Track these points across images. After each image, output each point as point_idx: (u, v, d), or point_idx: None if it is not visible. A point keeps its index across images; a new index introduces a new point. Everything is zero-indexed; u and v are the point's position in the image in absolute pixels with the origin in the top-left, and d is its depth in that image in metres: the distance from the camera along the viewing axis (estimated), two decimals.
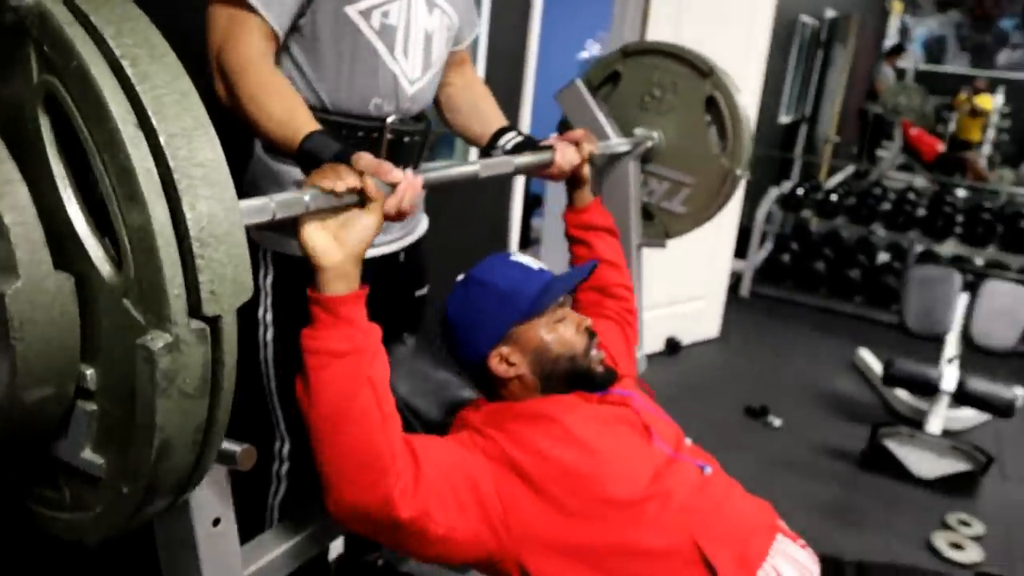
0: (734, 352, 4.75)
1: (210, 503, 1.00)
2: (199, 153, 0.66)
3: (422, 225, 1.79)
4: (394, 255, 1.69)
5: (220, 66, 1.34)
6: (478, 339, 1.41)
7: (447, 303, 1.46)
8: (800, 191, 5.69)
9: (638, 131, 2.13)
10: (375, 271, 1.63)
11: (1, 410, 0.68)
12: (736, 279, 5.57)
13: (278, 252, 1.53)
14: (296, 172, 1.37)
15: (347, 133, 1.48)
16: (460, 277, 1.47)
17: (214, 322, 0.67)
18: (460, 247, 2.36)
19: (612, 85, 2.19)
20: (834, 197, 5.65)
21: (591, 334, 1.44)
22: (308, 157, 1.26)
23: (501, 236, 3.27)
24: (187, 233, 0.65)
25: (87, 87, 0.63)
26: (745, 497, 1.39)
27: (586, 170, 1.78)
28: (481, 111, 1.80)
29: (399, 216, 1.25)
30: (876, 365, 4.29)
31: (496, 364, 1.40)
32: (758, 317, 5.32)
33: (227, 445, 1.00)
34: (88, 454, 0.75)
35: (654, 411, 1.47)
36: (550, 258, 4.46)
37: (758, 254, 5.71)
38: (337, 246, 1.12)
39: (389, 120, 1.52)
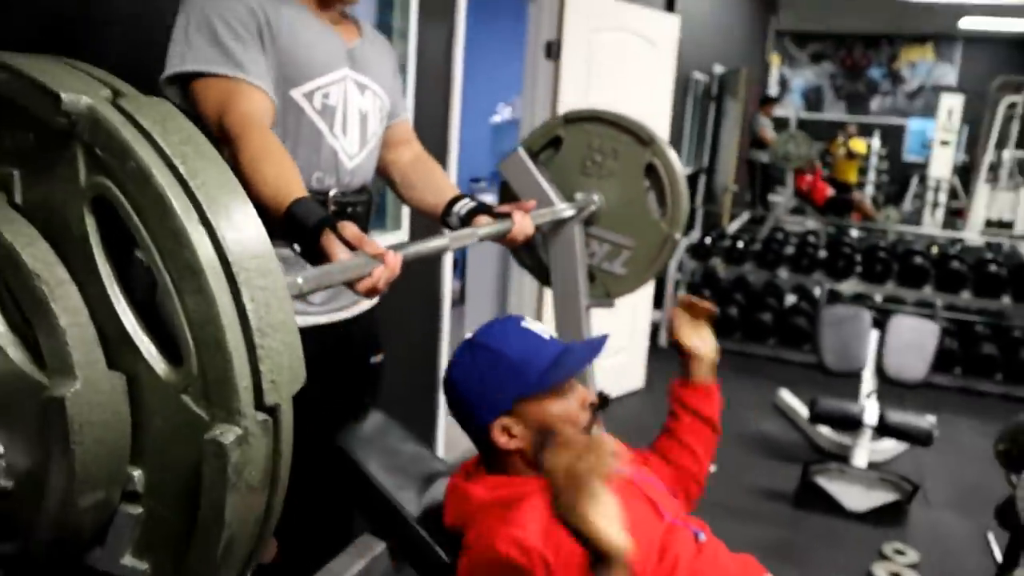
0: (660, 401, 4.82)
1: None
2: (252, 245, 0.67)
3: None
4: (347, 322, 1.73)
5: (223, 132, 1.39)
6: (482, 407, 1.38)
7: (451, 364, 1.43)
8: (708, 240, 5.90)
9: (580, 195, 2.20)
10: (329, 340, 1.66)
11: (54, 519, 0.66)
12: (654, 329, 5.69)
13: None
14: (285, 252, 1.35)
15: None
16: (467, 337, 1.45)
17: (274, 412, 0.67)
18: (395, 311, 2.36)
19: (553, 150, 2.26)
20: (740, 244, 5.88)
21: (594, 407, 1.41)
22: (294, 221, 1.28)
23: (434, 299, 3.28)
24: (248, 324, 0.65)
25: (147, 187, 0.63)
26: (732, 556, 1.42)
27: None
28: (434, 184, 1.87)
29: (374, 292, 1.28)
30: (797, 404, 4.44)
31: (498, 435, 1.36)
32: (676, 366, 5.43)
33: None
34: (129, 560, 0.72)
35: (653, 482, 1.47)
36: (473, 317, 4.50)
37: (673, 303, 5.86)
38: None
39: (331, 192, 1.61)
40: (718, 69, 7.68)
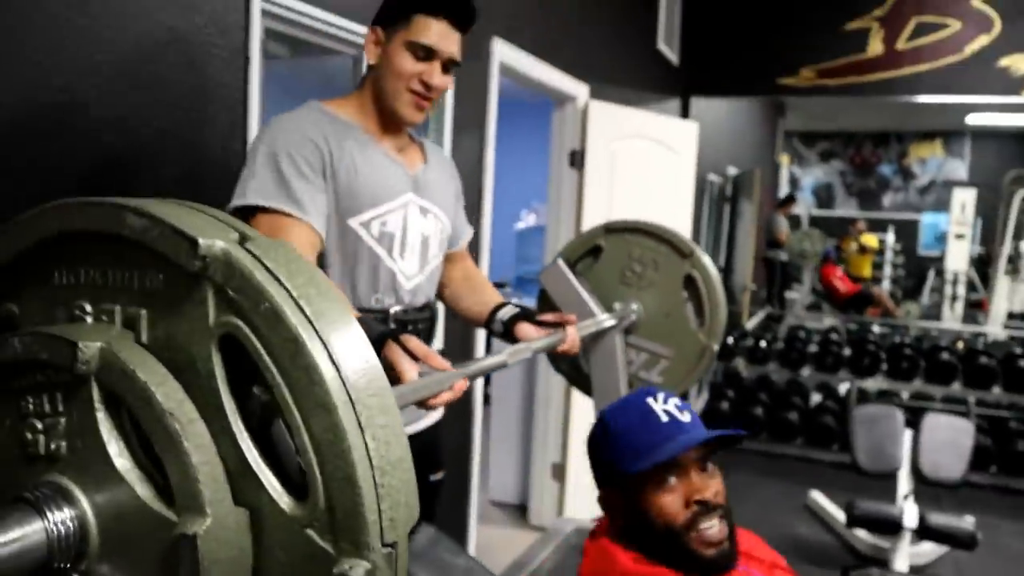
0: None
1: None
2: (373, 384, 0.69)
3: (439, 409, 1.82)
4: (409, 439, 1.70)
5: None
6: (596, 473, 1.42)
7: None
8: (730, 340, 5.91)
9: (619, 305, 2.23)
10: None
11: None
12: None
13: None
14: None
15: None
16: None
17: (393, 548, 0.68)
18: None
19: (592, 258, 2.31)
20: (762, 343, 5.89)
21: (707, 507, 1.30)
22: None
23: (466, 406, 3.29)
24: (371, 462, 0.67)
25: (279, 326, 0.66)
26: None
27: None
28: (480, 295, 1.94)
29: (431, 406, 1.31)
30: (830, 506, 4.37)
31: (602, 502, 1.40)
32: None
33: None
34: None
35: None
36: (500, 419, 4.48)
37: (696, 405, 5.83)
38: None
39: (392, 310, 1.67)
40: (732, 171, 7.83)
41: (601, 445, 1.40)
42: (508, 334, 1.82)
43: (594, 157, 4.02)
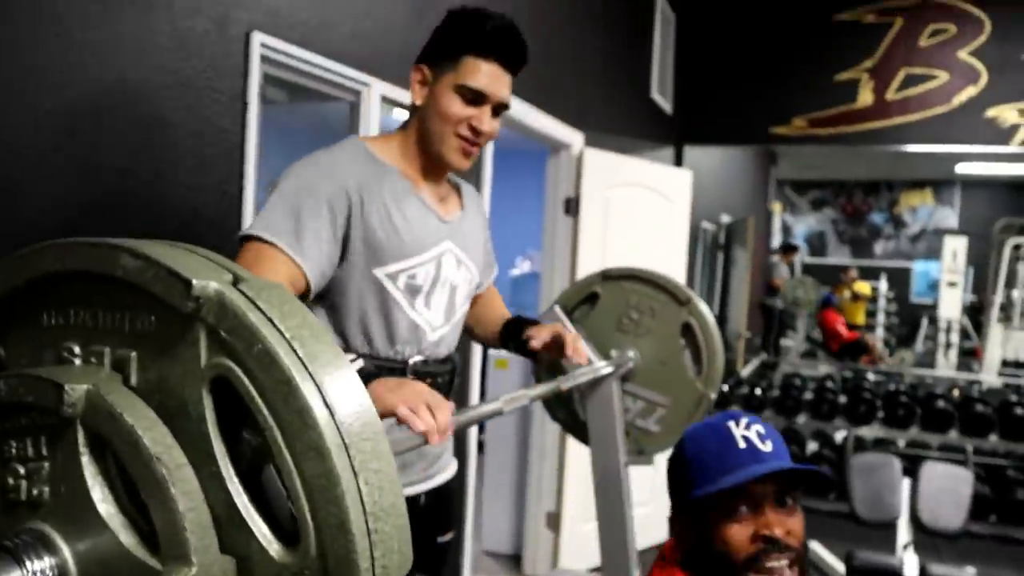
0: None
1: None
2: (366, 428, 0.67)
3: (450, 468, 1.78)
4: (414, 498, 1.64)
5: None
6: (671, 495, 1.37)
7: None
8: (725, 387, 5.88)
9: (615, 352, 2.22)
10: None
11: None
12: None
13: None
14: None
15: (374, 370, 1.51)
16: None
17: None
18: None
19: (589, 306, 2.29)
20: (757, 391, 5.86)
21: (776, 546, 1.21)
22: None
23: (459, 454, 3.25)
24: (364, 507, 0.65)
25: (273, 368, 0.64)
26: None
27: None
28: (496, 321, 1.89)
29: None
30: (829, 557, 4.31)
31: (672, 526, 1.35)
32: None
33: None
34: None
35: None
36: (494, 465, 4.42)
37: None
38: None
39: (412, 360, 1.58)
40: (725, 219, 7.87)
41: (676, 467, 1.35)
42: (518, 343, 1.79)
43: (589, 204, 4.03)
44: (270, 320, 0.67)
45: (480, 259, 1.77)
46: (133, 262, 0.69)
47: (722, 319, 7.94)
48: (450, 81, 1.53)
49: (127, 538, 0.69)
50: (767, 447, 1.26)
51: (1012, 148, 5.61)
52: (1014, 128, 5.58)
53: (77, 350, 0.75)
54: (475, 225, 1.76)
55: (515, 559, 4.23)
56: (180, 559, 0.65)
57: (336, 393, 0.67)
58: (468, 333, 1.94)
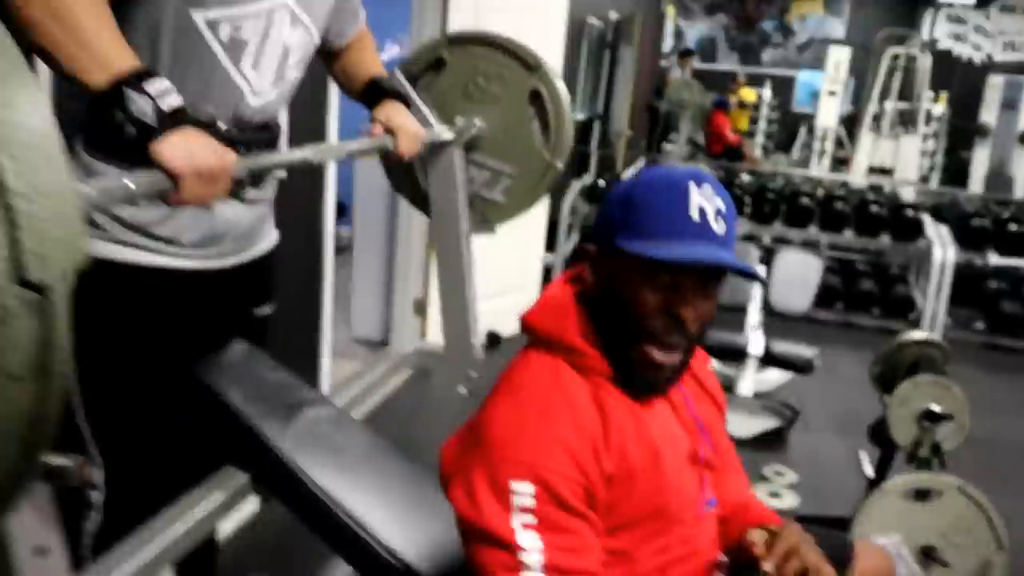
0: None
1: (33, 529, 0.90)
2: (15, 97, 0.59)
3: (268, 239, 1.69)
4: (230, 271, 1.56)
5: None
6: (595, 227, 1.23)
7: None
8: (601, 183, 5.94)
9: (461, 119, 2.15)
10: (206, 287, 1.50)
11: None
12: (548, 272, 5.74)
13: None
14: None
15: None
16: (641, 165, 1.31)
17: (42, 291, 0.58)
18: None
19: (435, 72, 2.20)
20: None
21: (679, 328, 1.13)
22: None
23: (315, 244, 3.19)
24: (4, 185, 0.56)
25: None
26: None
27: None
28: (362, 78, 1.83)
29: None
30: None
31: (582, 256, 1.24)
32: None
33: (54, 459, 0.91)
34: None
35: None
36: (361, 263, 4.42)
37: (566, 245, 5.89)
38: None
39: (223, 128, 1.39)
40: (613, 16, 7.69)
41: (616, 203, 1.18)
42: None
43: None
44: None
45: (324, 20, 1.60)
46: None
47: (605, 118, 7.93)
48: None
49: None
50: (719, 227, 1.12)
51: None
52: None
53: None
54: None
55: (383, 344, 4.31)
56: None
57: None
58: (336, 83, 1.87)
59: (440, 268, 2.21)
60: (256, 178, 1.53)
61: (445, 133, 2.03)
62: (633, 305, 1.14)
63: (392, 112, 1.79)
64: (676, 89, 9.20)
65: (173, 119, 1.11)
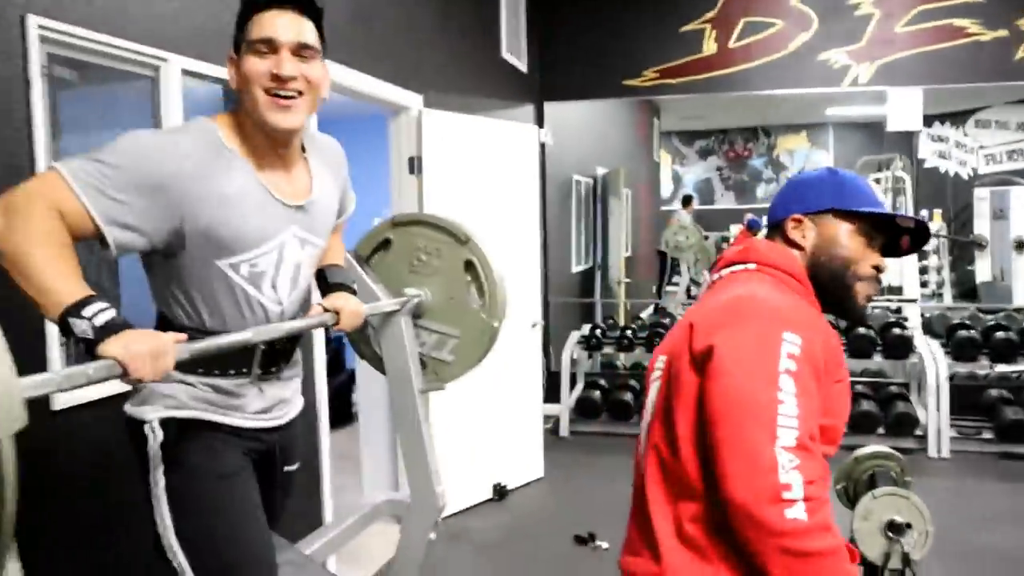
0: (559, 488, 5.00)
1: None
2: None
3: (297, 405, 1.98)
4: (272, 430, 1.87)
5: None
6: (801, 203, 1.50)
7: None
8: (598, 331, 6.19)
9: (408, 291, 2.41)
10: (260, 443, 1.84)
11: None
12: (556, 422, 5.93)
13: (163, 418, 1.69)
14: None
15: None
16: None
17: None
18: None
19: (384, 251, 2.49)
20: (629, 332, 6.18)
21: (879, 278, 1.48)
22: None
23: (311, 407, 3.41)
24: None
25: None
26: None
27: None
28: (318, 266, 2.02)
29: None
30: None
31: (791, 226, 1.49)
32: (577, 453, 5.64)
33: None
34: None
35: None
36: (368, 431, 4.60)
37: (571, 396, 6.07)
38: None
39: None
40: (600, 171, 8.14)
41: (828, 182, 1.50)
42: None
43: (432, 163, 4.21)
44: None
45: (329, 229, 1.90)
46: None
47: (604, 267, 8.25)
48: (245, 49, 1.61)
49: None
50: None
51: (844, 88, 5.98)
52: (844, 69, 5.95)
53: None
54: (325, 193, 1.84)
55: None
56: None
57: None
58: None
59: (398, 423, 2.43)
60: (287, 358, 1.87)
61: (391, 305, 2.30)
62: (855, 261, 1.46)
63: (336, 298, 2.02)
64: (672, 233, 9.56)
65: (105, 330, 1.35)
